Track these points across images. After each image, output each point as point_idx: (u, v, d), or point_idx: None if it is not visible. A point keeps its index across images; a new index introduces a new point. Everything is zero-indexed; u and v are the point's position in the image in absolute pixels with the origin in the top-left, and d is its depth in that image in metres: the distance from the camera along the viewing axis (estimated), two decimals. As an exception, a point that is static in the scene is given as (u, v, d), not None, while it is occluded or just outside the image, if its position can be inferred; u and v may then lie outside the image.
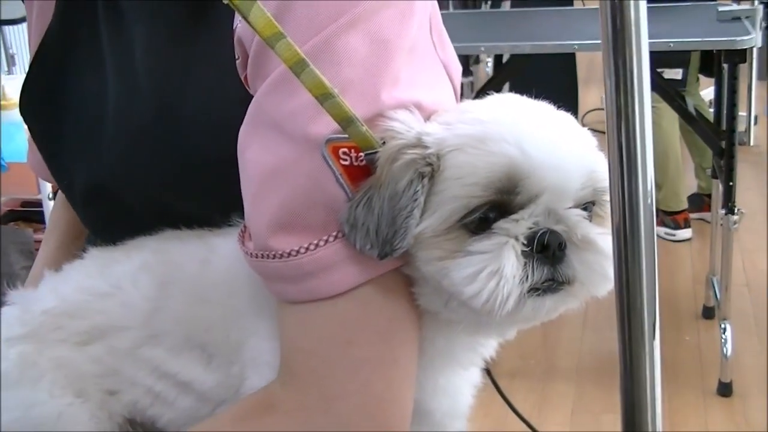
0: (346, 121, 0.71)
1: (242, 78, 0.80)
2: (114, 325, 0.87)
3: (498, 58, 3.93)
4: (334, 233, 0.73)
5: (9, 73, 3.58)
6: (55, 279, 0.94)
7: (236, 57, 0.80)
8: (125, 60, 0.91)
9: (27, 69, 1.04)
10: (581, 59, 4.96)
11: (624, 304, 0.71)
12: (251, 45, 0.78)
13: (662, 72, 3.44)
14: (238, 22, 0.80)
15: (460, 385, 0.87)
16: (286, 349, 0.77)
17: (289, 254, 0.74)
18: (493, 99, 0.78)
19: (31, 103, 1.02)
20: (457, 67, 0.86)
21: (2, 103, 2.52)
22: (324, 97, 0.70)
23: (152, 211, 0.90)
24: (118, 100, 0.91)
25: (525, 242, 0.71)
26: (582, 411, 2.84)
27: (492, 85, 3.07)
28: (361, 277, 0.74)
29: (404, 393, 0.78)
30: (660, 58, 3.30)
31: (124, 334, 0.87)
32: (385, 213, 0.71)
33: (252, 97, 0.78)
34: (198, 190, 0.87)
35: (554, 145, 0.72)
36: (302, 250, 0.73)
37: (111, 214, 0.95)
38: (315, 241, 0.73)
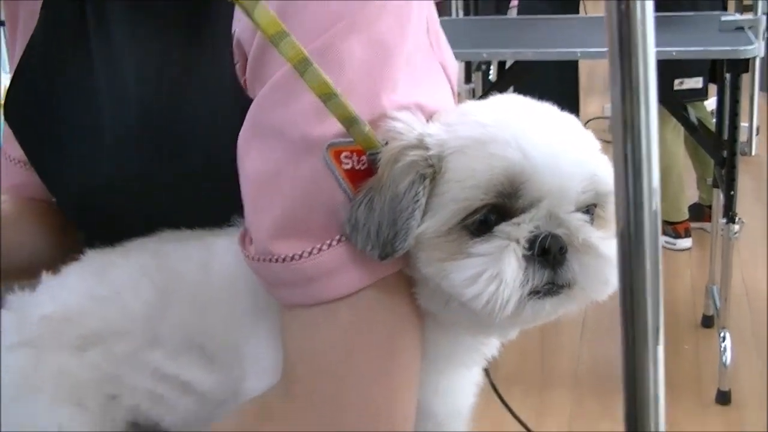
0: (349, 120, 0.71)
1: (242, 82, 0.81)
2: (113, 330, 0.87)
3: (501, 65, 3.94)
4: (337, 237, 0.74)
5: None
6: (53, 283, 0.94)
7: (235, 61, 0.81)
8: (115, 64, 0.90)
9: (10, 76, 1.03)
10: (582, 68, 4.96)
11: (627, 309, 0.71)
12: (251, 48, 0.78)
13: (681, 82, 3.43)
14: (236, 28, 0.80)
15: (462, 385, 0.87)
16: (288, 357, 0.78)
17: (292, 258, 0.74)
18: (495, 100, 0.78)
19: (18, 110, 1.01)
20: (454, 67, 0.86)
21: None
22: (327, 97, 0.71)
23: (148, 221, 0.89)
24: (108, 107, 0.91)
25: (526, 246, 0.71)
26: (580, 417, 2.84)
27: (495, 91, 3.05)
28: (365, 281, 0.75)
29: (407, 398, 0.78)
30: (679, 68, 3.31)
31: (123, 338, 0.87)
32: (386, 214, 0.72)
33: (249, 102, 0.79)
34: (192, 199, 0.87)
35: (556, 149, 0.72)
36: (305, 254, 0.74)
37: (106, 222, 0.94)
38: (318, 245, 0.74)
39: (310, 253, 0.73)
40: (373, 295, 0.75)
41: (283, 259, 0.74)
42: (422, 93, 0.77)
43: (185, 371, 0.85)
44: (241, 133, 0.78)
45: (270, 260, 0.75)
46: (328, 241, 0.74)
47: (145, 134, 0.87)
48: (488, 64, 4.04)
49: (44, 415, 0.87)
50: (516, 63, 3.16)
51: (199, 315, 0.84)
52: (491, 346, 0.86)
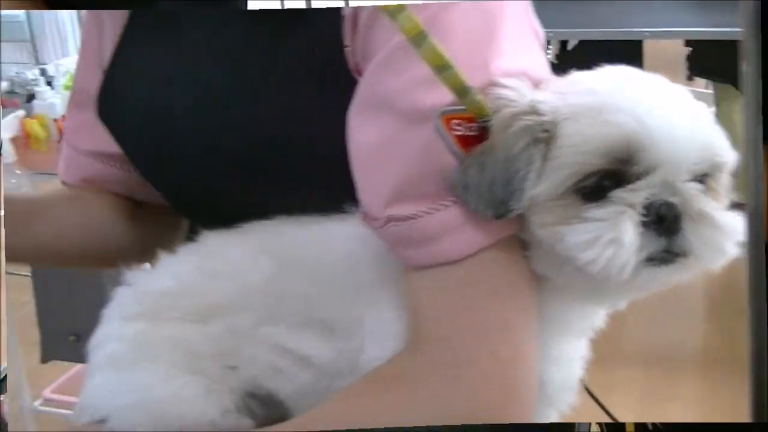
0: (462, 90, 0.73)
1: (353, 67, 0.83)
2: (233, 305, 0.89)
3: (562, 46, 3.89)
4: (452, 199, 0.76)
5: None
6: (171, 261, 0.95)
7: (345, 45, 0.83)
8: (195, 60, 0.94)
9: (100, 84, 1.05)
10: (645, 49, 4.90)
11: (756, 289, 0.71)
12: (361, 29, 0.81)
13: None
14: (346, 9, 0.82)
15: (572, 355, 0.87)
16: (414, 317, 0.79)
17: (408, 218, 0.76)
18: (606, 71, 0.78)
19: (112, 106, 1.04)
20: (542, 31, 0.87)
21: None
22: (441, 68, 0.73)
23: (248, 210, 0.91)
24: (189, 104, 0.94)
25: (642, 212, 0.71)
26: (650, 397, 2.83)
27: (556, 73, 3.01)
28: (483, 241, 0.76)
29: (531, 358, 0.79)
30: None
31: (243, 313, 0.88)
32: (499, 175, 0.73)
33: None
34: (287, 192, 0.89)
35: (672, 118, 0.73)
36: (421, 214, 0.75)
37: (212, 218, 0.96)
38: (434, 206, 0.75)
39: (426, 213, 0.76)
40: (492, 256, 0.76)
41: (400, 219, 0.76)
42: (523, 59, 0.79)
43: (305, 345, 0.86)
44: (350, 111, 0.81)
45: (388, 221, 0.77)
46: (443, 202, 0.76)
47: (227, 131, 0.90)
48: (547, 44, 3.99)
49: (160, 383, 0.88)
50: (579, 43, 3.13)
51: (319, 289, 0.86)
52: (599, 317, 0.87)
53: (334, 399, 0.83)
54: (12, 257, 1.05)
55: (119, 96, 1.02)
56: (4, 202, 1.05)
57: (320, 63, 0.85)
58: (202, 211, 1.01)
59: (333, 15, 0.83)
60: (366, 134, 0.79)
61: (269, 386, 0.89)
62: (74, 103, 1.13)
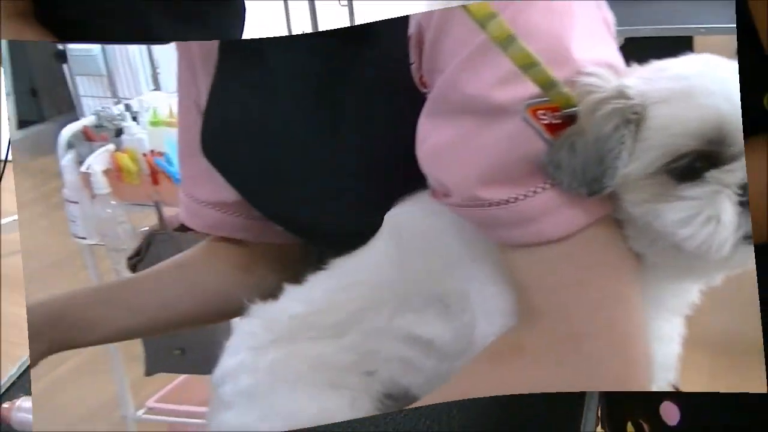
0: (549, 84, 0.76)
1: (417, 81, 0.87)
2: (366, 308, 0.92)
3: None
4: (549, 182, 0.78)
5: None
6: (298, 289, 0.98)
7: (411, 62, 0.87)
8: (279, 97, 0.98)
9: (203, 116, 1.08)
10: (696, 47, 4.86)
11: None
12: (426, 45, 0.84)
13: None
14: (413, 28, 0.86)
15: (670, 333, 0.89)
16: (523, 292, 0.82)
17: (507, 201, 0.79)
18: (690, 58, 0.80)
19: (216, 145, 1.08)
20: (613, 20, 0.89)
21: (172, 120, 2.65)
22: (528, 66, 0.76)
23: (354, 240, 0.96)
24: (287, 143, 0.99)
25: (739, 192, 0.74)
26: (716, 383, 2.86)
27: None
28: (583, 220, 0.79)
29: (645, 331, 0.80)
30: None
31: (377, 311, 0.91)
32: (591, 154, 0.75)
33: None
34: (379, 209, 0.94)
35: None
36: (520, 197, 0.78)
37: (333, 242, 1.00)
38: (532, 189, 0.78)
39: (525, 196, 0.78)
40: (592, 234, 0.79)
41: (497, 203, 0.79)
42: (601, 49, 0.81)
43: (428, 329, 0.90)
44: (422, 116, 0.85)
45: (482, 205, 0.80)
46: (541, 185, 0.78)
47: (320, 157, 0.95)
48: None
49: (305, 405, 0.91)
50: (628, 42, 3.11)
51: (433, 263, 0.89)
52: (693, 294, 0.89)
53: (458, 375, 0.86)
54: (123, 335, 1.12)
55: (220, 135, 1.06)
56: (107, 288, 1.15)
57: (390, 82, 0.89)
58: (324, 239, 1.04)
59: (400, 35, 0.86)
60: (442, 135, 0.82)
61: (404, 382, 0.93)
62: (184, 151, 1.15)
